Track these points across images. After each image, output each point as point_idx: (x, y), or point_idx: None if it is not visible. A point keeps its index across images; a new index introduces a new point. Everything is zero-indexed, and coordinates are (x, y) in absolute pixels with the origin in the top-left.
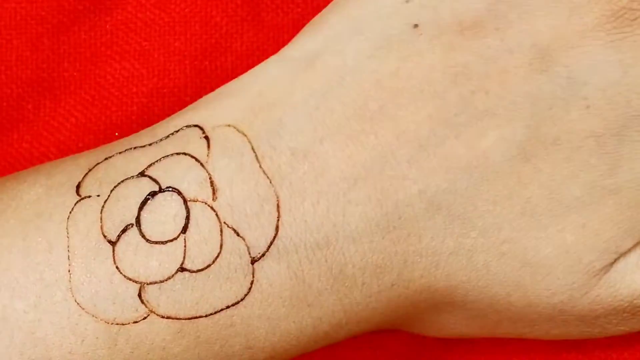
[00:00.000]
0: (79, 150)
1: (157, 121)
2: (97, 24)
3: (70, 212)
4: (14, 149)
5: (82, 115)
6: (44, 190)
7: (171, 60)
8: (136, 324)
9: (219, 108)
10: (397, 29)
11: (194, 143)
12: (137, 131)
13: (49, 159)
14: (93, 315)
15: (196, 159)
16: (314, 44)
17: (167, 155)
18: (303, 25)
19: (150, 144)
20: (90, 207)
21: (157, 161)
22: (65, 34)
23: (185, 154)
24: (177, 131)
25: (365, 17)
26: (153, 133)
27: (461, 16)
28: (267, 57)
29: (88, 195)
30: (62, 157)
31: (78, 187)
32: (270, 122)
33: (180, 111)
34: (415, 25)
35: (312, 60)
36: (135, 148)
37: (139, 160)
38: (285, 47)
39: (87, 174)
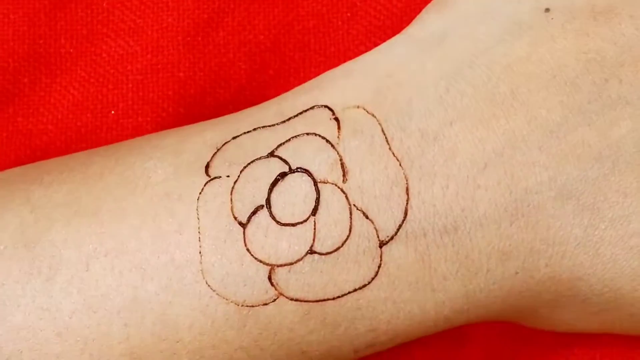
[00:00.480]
0: (77, 128)
1: (152, 98)
2: (93, 1)
3: (200, 193)
4: (9, 122)
5: (78, 93)
6: (173, 170)
7: (164, 37)
8: (265, 306)
9: (347, 88)
10: (527, 14)
11: (324, 124)
12: (132, 108)
13: (47, 135)
14: (224, 297)
15: (327, 140)
16: (442, 24)
17: (297, 135)
18: (293, 0)
19: (278, 124)
20: (220, 188)
21: (286, 141)
22: (62, 10)
23: (315, 134)
24: (305, 111)
25: (495, 0)
26: (280, 111)
27: (594, 1)
28: (259, 32)
29: (218, 175)
30: (59, 134)
31: (207, 167)
32: (400, 103)
33: (303, 86)
34: (547, 10)
35: (441, 41)
36: (263, 127)
37: (268, 141)
38: (410, 26)
39: (215, 153)
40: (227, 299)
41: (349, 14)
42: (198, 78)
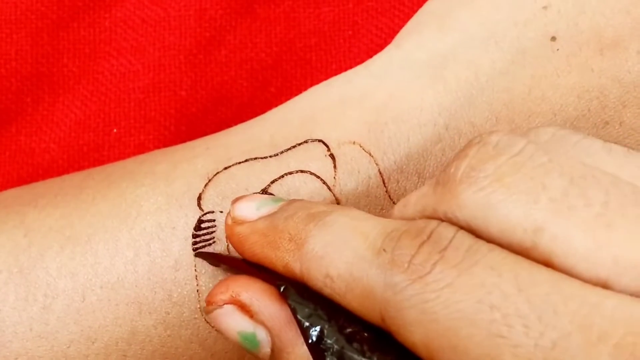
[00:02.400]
0: (79, 146)
1: (154, 116)
2: (96, 20)
3: (194, 229)
4: (12, 141)
5: (81, 111)
6: (164, 199)
7: (166, 55)
8: None
9: (342, 121)
10: (533, 40)
11: (319, 161)
12: (134, 127)
13: (49, 154)
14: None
15: (322, 180)
16: (442, 46)
17: (291, 172)
18: (295, 18)
19: (271, 156)
20: (215, 225)
21: (279, 177)
22: (65, 29)
23: (310, 173)
24: (299, 144)
25: (499, 22)
26: (273, 142)
27: (601, 31)
28: (260, 50)
29: (211, 210)
30: (61, 152)
31: (199, 199)
32: (397, 140)
33: (294, 108)
34: (553, 38)
35: (442, 67)
36: (255, 159)
37: (260, 175)
38: (406, 39)
39: (207, 184)
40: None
41: (350, 32)
42: (200, 96)
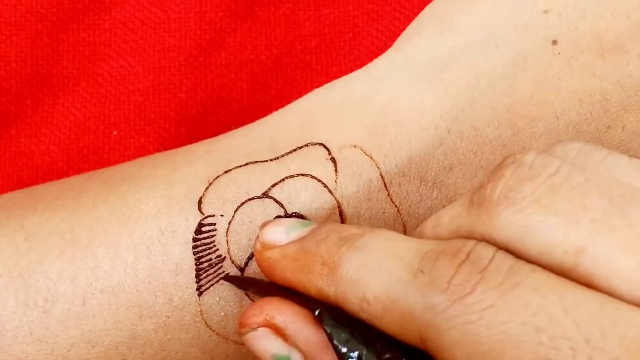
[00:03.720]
0: (79, 148)
1: (154, 118)
2: (95, 22)
3: (195, 232)
4: (12, 143)
5: (80, 113)
6: (165, 203)
7: (166, 57)
8: None
9: (343, 124)
10: (534, 44)
11: (320, 164)
12: (134, 129)
13: (49, 156)
14: (223, 337)
15: (323, 184)
16: (442, 50)
17: (292, 176)
18: (295, 20)
19: (271, 160)
20: (216, 228)
21: (280, 181)
22: (65, 31)
23: (311, 176)
24: (299, 147)
25: (500, 25)
26: (273, 146)
27: (602, 35)
28: (260, 52)
29: (211, 214)
30: (61, 154)
31: (200, 202)
32: (399, 144)
33: (295, 111)
34: (554, 42)
35: (442, 71)
36: (255, 162)
37: (261, 179)
38: (406, 43)
39: (207, 188)
40: (226, 338)
41: (350, 34)
42: (200, 98)
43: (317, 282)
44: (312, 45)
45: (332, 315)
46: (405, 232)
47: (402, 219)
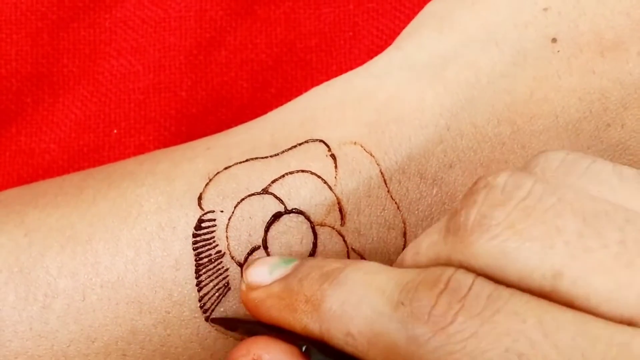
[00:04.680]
0: (79, 147)
1: (154, 117)
2: (96, 20)
3: (194, 228)
4: (12, 142)
5: (81, 112)
6: (165, 199)
7: (166, 56)
8: None
9: (343, 121)
10: (533, 42)
11: (320, 161)
12: (134, 127)
13: (49, 154)
14: (222, 332)
15: (323, 180)
16: (442, 47)
17: (292, 172)
18: (295, 19)
19: (271, 156)
20: (215, 224)
21: (280, 177)
22: (65, 30)
23: (311, 172)
24: (299, 144)
25: (500, 23)
26: (273, 142)
27: (602, 33)
28: (261, 51)
29: (211, 209)
30: (61, 153)
31: (200, 198)
32: (399, 142)
33: (295, 109)
34: (554, 40)
35: (442, 69)
36: (256, 159)
37: (261, 175)
38: (406, 40)
39: (207, 184)
40: (225, 334)
41: (351, 33)
42: (200, 97)
43: (302, 320)
44: (313, 44)
45: (319, 350)
46: (405, 229)
47: (402, 215)
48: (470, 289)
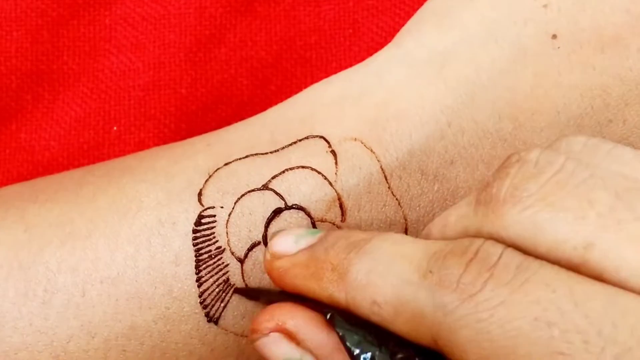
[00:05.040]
0: (79, 144)
1: (154, 114)
2: (96, 18)
3: (194, 224)
4: (12, 139)
5: (81, 109)
6: (165, 195)
7: (166, 53)
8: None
9: (343, 117)
10: (533, 38)
11: (320, 157)
12: (134, 124)
13: (49, 152)
14: (222, 328)
15: (324, 176)
16: (442, 44)
17: (292, 168)
18: (295, 16)
19: (271, 152)
20: (215, 220)
21: (280, 173)
22: (65, 27)
23: (311, 169)
24: (299, 140)
25: (499, 20)
26: (273, 139)
27: (602, 29)
28: (260, 48)
29: (211, 205)
30: (61, 150)
31: (200, 194)
32: (399, 137)
33: (295, 106)
34: (554, 36)
35: (442, 66)
36: (256, 155)
37: (261, 171)
38: (406, 37)
39: (207, 180)
40: (226, 330)
41: (350, 30)
42: (200, 94)
43: (328, 288)
44: (312, 41)
45: (344, 318)
46: (406, 225)
47: (403, 212)
48: (499, 258)
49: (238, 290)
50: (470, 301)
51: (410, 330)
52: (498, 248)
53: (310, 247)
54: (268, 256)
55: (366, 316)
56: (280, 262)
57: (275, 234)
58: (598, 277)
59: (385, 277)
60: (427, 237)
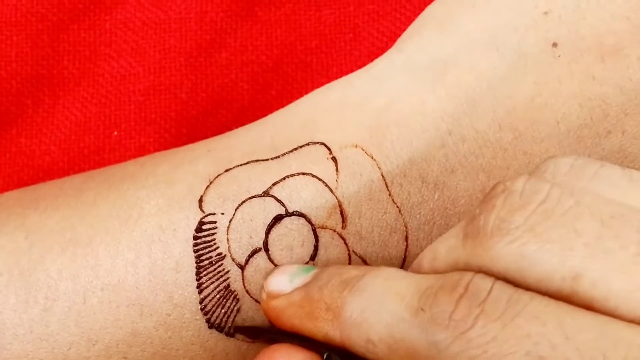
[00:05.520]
0: (79, 148)
1: (154, 119)
2: (96, 22)
3: (195, 230)
4: (12, 143)
5: (81, 113)
6: (165, 202)
7: (167, 58)
8: (266, 342)
9: (344, 124)
10: (534, 46)
11: (320, 164)
12: (135, 129)
13: (49, 156)
14: (224, 334)
15: (324, 183)
16: (443, 50)
17: (293, 175)
18: (296, 20)
19: (272, 158)
20: (216, 226)
21: (281, 180)
22: (65, 31)
23: (312, 175)
24: (300, 147)
25: (500, 27)
26: (274, 145)
27: (602, 37)
28: (261, 52)
29: (212, 212)
30: (61, 154)
31: (200, 201)
32: (400, 145)
33: (296, 112)
34: (555, 44)
35: (443, 72)
36: (256, 161)
37: (262, 177)
38: (406, 42)
39: (208, 186)
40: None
41: (351, 35)
42: (200, 99)
43: (323, 328)
44: (313, 45)
45: (340, 357)
46: (407, 233)
47: (403, 219)
48: (489, 293)
49: (238, 329)
50: (462, 338)
51: None
52: (488, 282)
53: (305, 285)
54: (264, 296)
55: (362, 354)
56: (276, 302)
57: (270, 272)
58: (588, 307)
59: (379, 315)
60: (419, 270)
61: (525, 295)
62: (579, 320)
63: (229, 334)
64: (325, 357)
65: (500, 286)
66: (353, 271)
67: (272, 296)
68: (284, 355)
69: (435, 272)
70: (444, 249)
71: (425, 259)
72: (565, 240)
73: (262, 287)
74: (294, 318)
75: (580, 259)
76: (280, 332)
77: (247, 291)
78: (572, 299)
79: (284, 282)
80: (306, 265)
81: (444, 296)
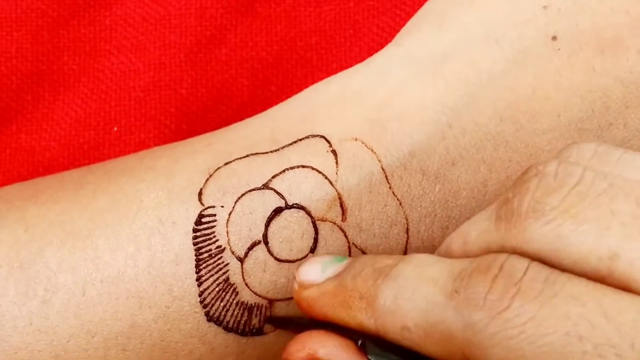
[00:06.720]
0: (79, 144)
1: (154, 114)
2: (96, 18)
3: (195, 223)
4: (13, 139)
5: (81, 109)
6: (165, 194)
7: (167, 54)
8: (264, 335)
9: (344, 117)
10: (534, 40)
11: (320, 156)
12: (135, 125)
13: (49, 152)
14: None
15: (324, 175)
16: (442, 44)
17: (292, 167)
18: (296, 16)
19: (272, 151)
20: (216, 219)
21: (281, 172)
22: (65, 27)
23: (312, 168)
24: (300, 139)
25: (500, 21)
26: (273, 138)
27: (602, 31)
28: (261, 48)
29: (211, 205)
30: (61, 150)
31: (200, 194)
32: (400, 137)
33: (296, 105)
34: (554, 38)
35: (442, 65)
36: (256, 154)
37: (261, 170)
38: (406, 37)
39: (208, 179)
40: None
41: (351, 31)
42: (200, 95)
43: (357, 316)
44: (313, 41)
45: (375, 344)
46: (408, 225)
47: (404, 212)
48: (525, 273)
49: (270, 320)
50: (498, 318)
51: (441, 352)
52: (523, 262)
53: (337, 275)
54: (296, 286)
55: (397, 341)
56: (308, 291)
57: (302, 262)
58: (625, 287)
59: (413, 301)
60: (448, 254)
61: (562, 276)
62: (617, 301)
63: (260, 327)
64: (359, 343)
65: (536, 266)
66: (386, 260)
67: (304, 286)
68: (317, 341)
69: (467, 255)
70: (475, 232)
71: (455, 243)
72: (602, 221)
73: (294, 277)
74: (326, 307)
75: (617, 239)
76: (312, 321)
77: (246, 284)
78: (609, 280)
79: (316, 272)
80: (338, 256)
81: (478, 277)
